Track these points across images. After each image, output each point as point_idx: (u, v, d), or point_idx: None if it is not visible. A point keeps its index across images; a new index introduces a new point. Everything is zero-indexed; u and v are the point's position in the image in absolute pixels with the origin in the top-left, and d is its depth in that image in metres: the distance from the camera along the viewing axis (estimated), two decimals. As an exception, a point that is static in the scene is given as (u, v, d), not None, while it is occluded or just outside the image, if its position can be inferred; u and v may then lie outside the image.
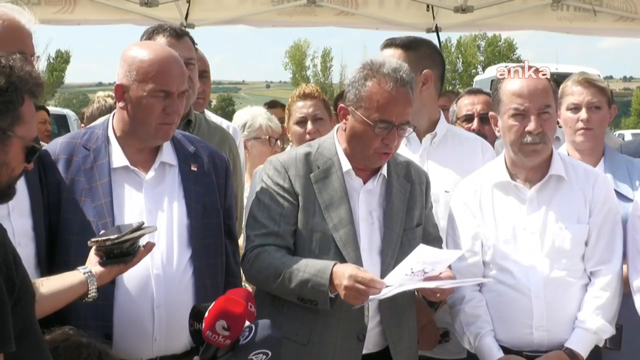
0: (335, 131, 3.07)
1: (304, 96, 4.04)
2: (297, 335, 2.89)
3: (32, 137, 2.20)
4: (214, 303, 2.33)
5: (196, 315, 2.39)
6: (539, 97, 3.04)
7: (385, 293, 2.71)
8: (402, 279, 2.72)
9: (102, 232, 2.62)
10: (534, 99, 3.03)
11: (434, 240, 3.12)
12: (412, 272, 2.71)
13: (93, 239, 2.53)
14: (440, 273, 2.80)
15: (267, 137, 4.49)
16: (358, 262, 2.86)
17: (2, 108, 2.08)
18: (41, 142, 2.96)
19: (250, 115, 4.56)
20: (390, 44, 3.59)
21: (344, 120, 3.00)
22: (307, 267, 2.79)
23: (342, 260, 2.84)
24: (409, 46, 3.57)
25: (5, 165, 2.14)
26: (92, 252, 2.55)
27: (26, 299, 2.01)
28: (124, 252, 2.52)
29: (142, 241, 2.58)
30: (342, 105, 3.01)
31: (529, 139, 3.04)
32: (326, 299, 2.75)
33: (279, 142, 4.56)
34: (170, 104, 2.78)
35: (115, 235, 2.48)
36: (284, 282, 2.81)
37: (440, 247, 3.14)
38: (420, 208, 3.06)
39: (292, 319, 2.90)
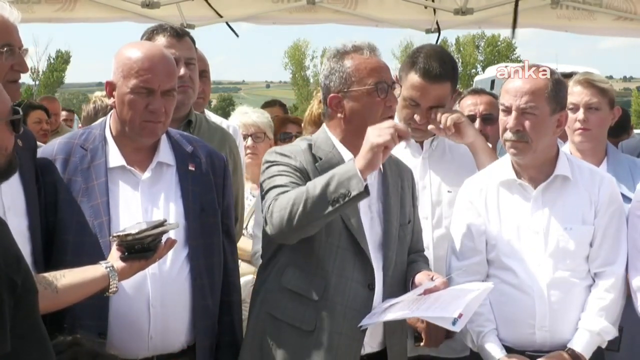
0: (325, 127, 3.02)
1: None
2: (302, 322, 2.84)
3: (9, 110, 2.18)
4: None
5: None
6: (523, 96, 3.03)
7: (386, 310, 2.72)
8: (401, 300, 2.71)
9: (123, 227, 2.60)
10: (517, 97, 3.04)
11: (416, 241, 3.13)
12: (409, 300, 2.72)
13: (115, 234, 2.52)
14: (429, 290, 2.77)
15: (244, 134, 4.48)
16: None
17: None
18: (39, 142, 2.95)
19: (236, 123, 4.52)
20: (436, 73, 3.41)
21: (337, 112, 2.94)
22: (327, 174, 2.68)
23: (358, 248, 2.83)
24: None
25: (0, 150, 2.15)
26: (114, 247, 2.54)
27: (29, 297, 1.99)
28: (145, 247, 2.51)
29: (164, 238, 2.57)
30: (332, 95, 2.93)
31: (508, 135, 3.06)
32: (358, 180, 2.57)
33: (249, 138, 4.52)
34: (152, 101, 2.75)
35: (137, 230, 2.47)
36: (308, 198, 2.63)
37: (421, 245, 3.19)
38: (409, 205, 3.07)
39: (297, 306, 2.85)
